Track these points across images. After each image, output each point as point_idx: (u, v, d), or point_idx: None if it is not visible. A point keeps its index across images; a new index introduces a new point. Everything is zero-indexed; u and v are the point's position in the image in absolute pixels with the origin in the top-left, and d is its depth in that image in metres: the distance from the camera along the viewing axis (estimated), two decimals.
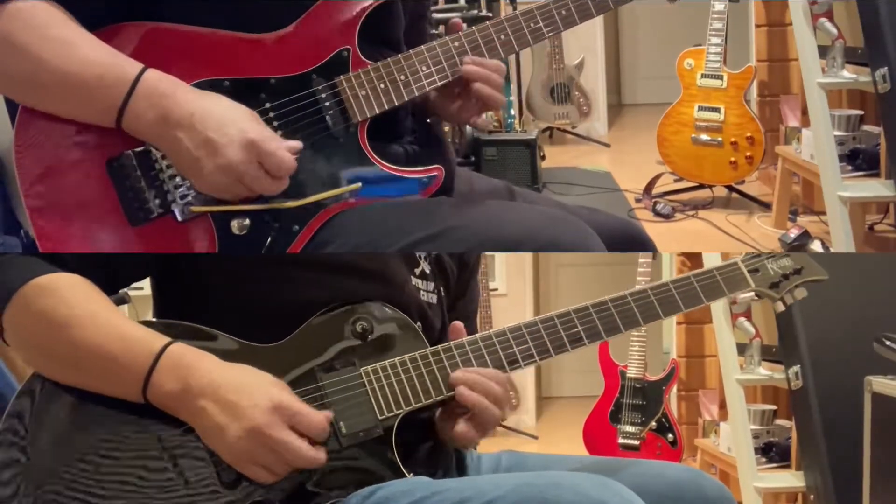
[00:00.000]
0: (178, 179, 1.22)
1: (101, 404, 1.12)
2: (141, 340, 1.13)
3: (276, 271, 1.22)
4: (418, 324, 1.26)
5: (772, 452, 3.04)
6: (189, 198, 1.23)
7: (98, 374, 1.12)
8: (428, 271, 1.35)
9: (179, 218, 1.23)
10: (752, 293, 1.41)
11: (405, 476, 1.15)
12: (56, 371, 1.14)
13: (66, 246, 1.21)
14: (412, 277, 1.31)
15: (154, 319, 1.23)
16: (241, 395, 1.09)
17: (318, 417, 1.12)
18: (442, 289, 1.37)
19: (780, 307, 1.43)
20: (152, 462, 1.10)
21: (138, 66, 1.18)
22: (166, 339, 1.13)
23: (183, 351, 1.12)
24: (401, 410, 1.18)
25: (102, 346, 1.12)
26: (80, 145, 1.21)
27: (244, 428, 1.08)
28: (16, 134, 1.22)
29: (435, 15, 3.96)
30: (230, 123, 1.18)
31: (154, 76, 1.18)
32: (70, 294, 1.14)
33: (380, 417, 1.17)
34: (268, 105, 1.24)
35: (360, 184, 1.27)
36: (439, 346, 1.22)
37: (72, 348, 1.12)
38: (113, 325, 1.13)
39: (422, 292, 1.32)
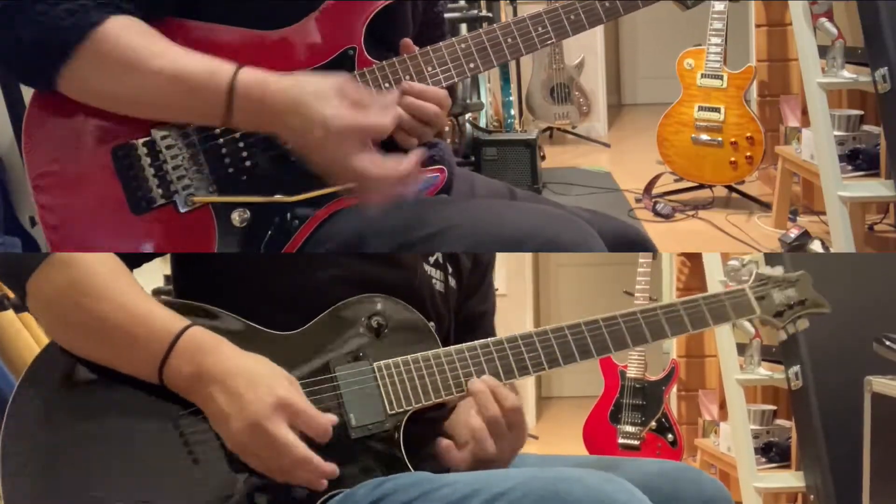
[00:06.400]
0: (181, 170, 1.23)
1: (114, 381, 1.13)
2: (162, 320, 1.13)
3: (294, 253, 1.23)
4: (429, 310, 1.27)
5: (772, 452, 3.04)
6: (191, 189, 1.24)
7: (117, 349, 1.13)
8: (441, 261, 1.35)
9: (181, 208, 1.24)
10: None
11: (409, 471, 1.15)
12: (74, 341, 1.14)
13: (69, 231, 1.23)
14: (425, 265, 1.31)
15: (175, 299, 1.22)
16: (248, 387, 1.10)
17: (322, 419, 1.12)
18: (454, 281, 1.36)
19: (783, 336, 1.46)
20: (163, 441, 1.10)
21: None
22: (186, 322, 1.13)
23: (202, 335, 1.13)
24: (410, 407, 1.19)
25: (125, 321, 1.12)
26: (87, 134, 1.22)
27: (245, 421, 1.09)
28: (25, 122, 1.22)
29: None
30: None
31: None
32: (98, 266, 1.15)
33: (389, 412, 1.18)
34: None
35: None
36: (451, 347, 1.23)
37: (94, 320, 1.13)
38: (137, 302, 1.14)
39: (434, 280, 1.32)
